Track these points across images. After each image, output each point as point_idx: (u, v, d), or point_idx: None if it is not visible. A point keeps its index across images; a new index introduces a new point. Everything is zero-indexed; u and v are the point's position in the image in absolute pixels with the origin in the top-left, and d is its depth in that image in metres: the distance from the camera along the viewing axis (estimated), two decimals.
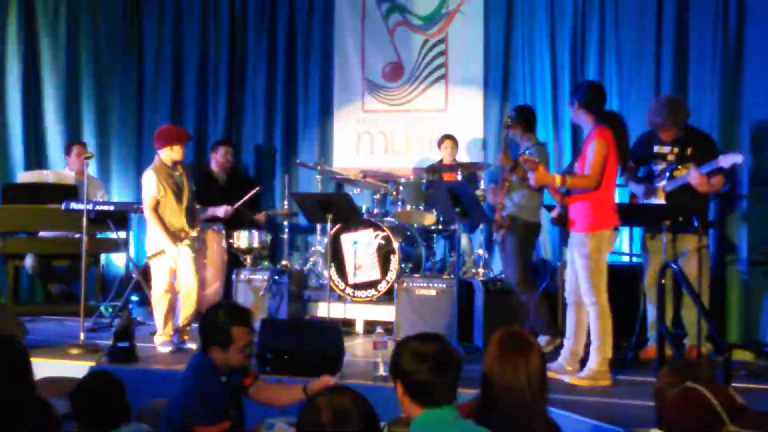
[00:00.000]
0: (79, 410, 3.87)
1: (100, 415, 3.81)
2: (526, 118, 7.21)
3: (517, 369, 3.24)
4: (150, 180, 7.11)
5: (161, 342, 7.12)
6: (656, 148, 6.98)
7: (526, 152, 6.72)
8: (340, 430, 2.53)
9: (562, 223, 6.26)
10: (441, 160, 9.08)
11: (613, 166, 6.00)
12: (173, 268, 7.15)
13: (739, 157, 6.57)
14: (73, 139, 9.89)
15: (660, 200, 6.90)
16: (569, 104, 6.27)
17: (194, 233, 7.29)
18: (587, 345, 6.18)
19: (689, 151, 6.84)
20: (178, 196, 7.17)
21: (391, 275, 8.10)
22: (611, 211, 6.04)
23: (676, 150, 6.90)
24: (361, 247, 8.30)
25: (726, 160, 6.55)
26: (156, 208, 7.07)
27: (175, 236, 7.10)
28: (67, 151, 9.51)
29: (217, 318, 4.26)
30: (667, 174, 6.88)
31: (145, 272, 8.60)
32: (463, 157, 9.22)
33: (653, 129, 7.02)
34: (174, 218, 7.14)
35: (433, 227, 8.43)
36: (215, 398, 4.21)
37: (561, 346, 6.46)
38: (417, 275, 8.04)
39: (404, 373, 3.11)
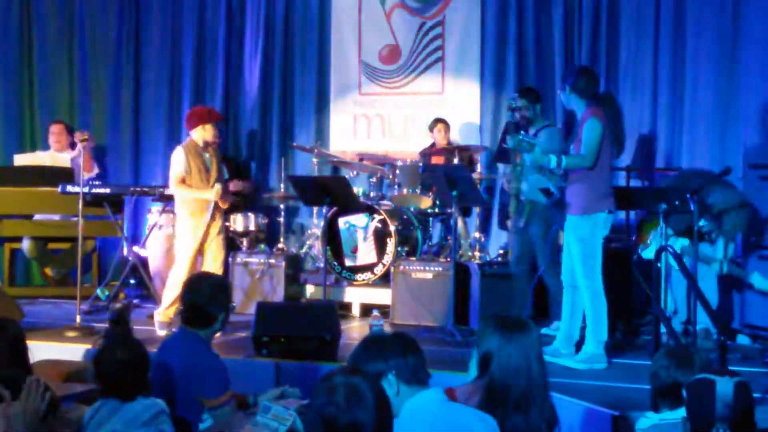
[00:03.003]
0: (103, 377, 3.77)
1: (124, 383, 3.72)
2: (535, 99, 7.20)
3: (528, 350, 3.23)
4: (179, 158, 7.21)
5: (160, 322, 7.10)
6: (702, 224, 6.81)
7: (521, 134, 6.70)
8: (353, 414, 2.46)
9: (556, 206, 6.26)
10: (433, 144, 9.07)
11: (607, 148, 6.00)
12: (197, 252, 7.22)
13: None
14: (54, 119, 9.87)
15: None
16: (561, 89, 6.25)
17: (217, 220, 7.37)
18: (583, 328, 6.20)
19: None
20: (205, 178, 7.22)
21: (388, 258, 8.10)
22: (607, 194, 6.04)
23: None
24: (357, 231, 8.31)
25: (758, 281, 6.76)
26: (184, 183, 7.20)
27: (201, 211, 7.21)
28: (50, 131, 9.53)
29: (204, 302, 4.37)
30: None
31: (141, 255, 8.65)
32: (460, 140, 9.21)
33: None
34: (198, 201, 7.21)
35: (429, 210, 8.43)
36: (221, 367, 4.31)
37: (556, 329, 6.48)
38: (413, 258, 8.05)
39: (395, 363, 3.11)
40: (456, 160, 8.32)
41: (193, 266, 7.18)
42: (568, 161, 6.02)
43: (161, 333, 7.02)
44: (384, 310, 7.73)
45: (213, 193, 7.19)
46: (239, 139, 10.25)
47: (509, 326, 3.31)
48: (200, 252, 7.28)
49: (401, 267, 7.80)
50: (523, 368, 3.22)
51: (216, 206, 7.27)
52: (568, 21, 8.91)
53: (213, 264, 7.32)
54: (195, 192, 7.18)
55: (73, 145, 9.34)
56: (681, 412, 3.36)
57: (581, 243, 5.98)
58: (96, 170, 9.43)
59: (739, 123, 7.60)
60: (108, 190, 8.40)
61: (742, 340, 7.00)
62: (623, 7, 8.63)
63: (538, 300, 7.41)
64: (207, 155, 7.31)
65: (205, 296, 4.37)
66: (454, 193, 7.20)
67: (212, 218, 7.26)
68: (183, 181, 7.19)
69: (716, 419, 2.85)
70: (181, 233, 7.27)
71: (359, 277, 8.28)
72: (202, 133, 7.25)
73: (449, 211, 7.98)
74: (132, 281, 8.52)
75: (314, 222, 9.07)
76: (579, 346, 6.15)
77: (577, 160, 5.99)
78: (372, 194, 8.65)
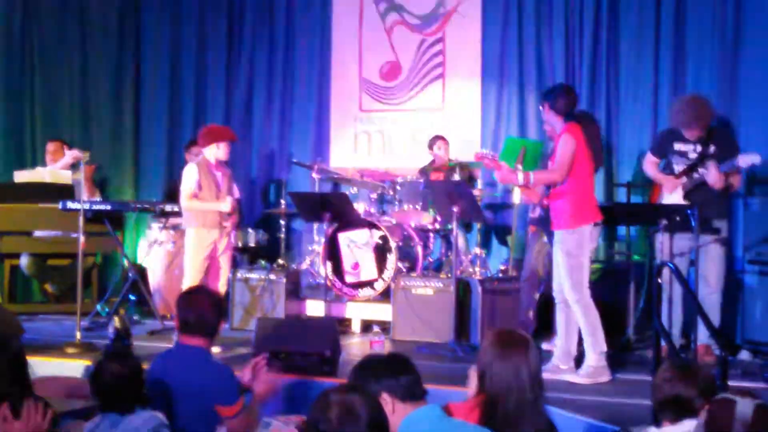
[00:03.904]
0: (99, 392, 3.81)
1: (119, 396, 3.75)
2: None
3: (519, 367, 3.26)
4: (190, 173, 7.31)
5: None
6: (677, 146, 6.95)
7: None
8: (345, 431, 2.50)
9: (540, 223, 6.28)
10: (433, 160, 9.07)
11: (586, 161, 6.04)
12: (205, 267, 7.29)
13: (756, 158, 6.59)
14: (51, 137, 9.86)
15: (678, 198, 6.85)
16: (540, 106, 6.34)
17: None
18: (579, 343, 6.20)
19: (712, 149, 6.82)
20: (215, 195, 7.30)
21: (388, 274, 8.09)
22: (591, 206, 6.09)
23: (698, 148, 6.87)
24: (358, 247, 8.30)
25: (744, 160, 6.57)
26: (195, 199, 7.30)
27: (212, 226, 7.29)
28: (47, 149, 9.51)
29: (207, 312, 4.41)
30: (687, 170, 6.86)
31: (142, 271, 8.65)
32: (460, 156, 9.21)
33: (677, 127, 6.95)
34: (208, 217, 7.26)
35: (429, 226, 8.43)
36: (231, 373, 4.41)
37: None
38: (414, 274, 8.04)
39: (388, 384, 3.14)
40: (456, 177, 8.31)
41: (199, 282, 7.20)
42: (537, 177, 6.10)
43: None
44: (384, 326, 7.74)
45: (226, 204, 7.26)
46: (240, 155, 10.25)
47: (505, 343, 3.32)
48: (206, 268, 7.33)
49: (402, 283, 7.80)
50: (513, 385, 3.23)
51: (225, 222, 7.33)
52: (569, 36, 8.92)
53: (217, 281, 7.33)
54: (209, 204, 7.24)
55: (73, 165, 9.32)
56: (683, 427, 3.36)
57: (568, 257, 6.00)
58: (97, 198, 9.40)
59: (741, 140, 7.61)
60: (108, 207, 8.39)
61: (744, 355, 6.99)
62: (623, 23, 8.64)
63: (541, 314, 7.42)
64: (219, 173, 7.37)
65: (206, 306, 4.42)
66: (455, 209, 7.21)
67: (220, 235, 7.32)
68: (195, 197, 7.24)
69: None
70: (189, 249, 7.33)
71: (360, 293, 8.26)
72: (215, 151, 7.35)
73: (450, 227, 7.98)
74: (132, 297, 8.50)
75: (315, 238, 9.07)
76: (577, 360, 6.15)
77: (547, 174, 6.07)
78: (372, 210, 8.66)
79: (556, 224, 6.10)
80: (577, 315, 6.03)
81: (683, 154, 6.92)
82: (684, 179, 6.85)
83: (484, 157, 6.34)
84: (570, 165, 5.97)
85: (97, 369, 3.85)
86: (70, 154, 8.80)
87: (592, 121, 6.20)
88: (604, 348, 6.04)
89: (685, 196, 6.84)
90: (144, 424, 3.67)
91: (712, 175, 6.65)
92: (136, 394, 3.80)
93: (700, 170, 6.78)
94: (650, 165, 7.16)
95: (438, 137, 9.09)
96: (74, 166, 7.59)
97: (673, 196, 6.89)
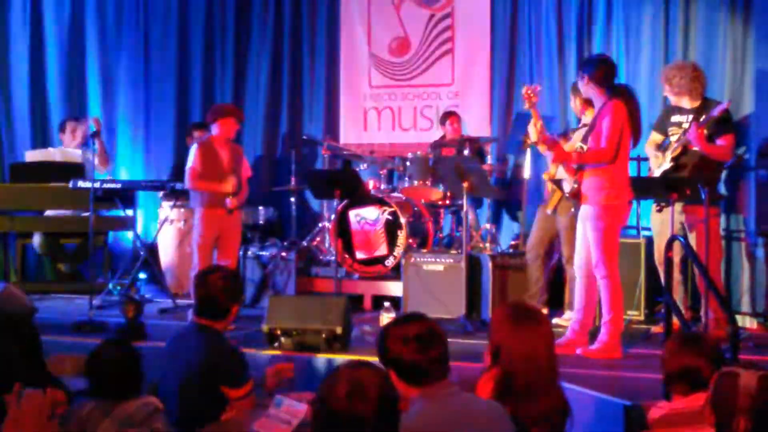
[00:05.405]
0: (94, 378, 3.79)
1: (115, 383, 3.73)
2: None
3: (535, 340, 3.26)
4: (192, 154, 7.38)
5: None
6: (673, 118, 6.95)
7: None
8: (353, 407, 2.49)
9: (578, 197, 6.25)
10: (443, 136, 9.06)
11: (627, 139, 6.01)
12: (212, 245, 7.36)
13: (726, 103, 6.62)
14: (69, 115, 9.84)
15: (664, 166, 6.85)
16: (579, 78, 6.27)
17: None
18: (595, 318, 6.20)
19: (704, 117, 6.78)
20: (217, 175, 7.28)
21: (399, 251, 8.10)
22: (626, 185, 6.05)
23: (691, 117, 6.84)
24: (368, 223, 8.30)
25: (717, 109, 6.55)
26: (198, 179, 7.34)
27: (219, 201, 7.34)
28: (61, 128, 9.47)
29: (217, 294, 4.41)
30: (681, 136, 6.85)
31: (153, 250, 8.68)
32: (470, 132, 9.19)
33: (668, 95, 6.99)
34: (212, 196, 7.31)
35: (440, 202, 8.42)
36: (242, 356, 4.39)
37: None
38: (424, 250, 8.04)
39: (392, 359, 3.11)
40: (466, 152, 8.30)
41: (208, 259, 7.24)
42: (588, 157, 6.03)
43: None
44: (395, 302, 7.74)
45: (227, 185, 7.27)
46: (249, 132, 10.23)
47: (519, 317, 3.33)
48: (215, 246, 7.37)
49: (412, 259, 7.79)
50: (531, 358, 3.24)
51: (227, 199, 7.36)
52: (581, 8, 8.83)
53: (227, 258, 7.37)
54: (210, 185, 7.27)
55: (86, 143, 9.29)
56: (694, 400, 3.37)
57: (600, 234, 5.97)
58: (110, 166, 9.41)
59: (751, 112, 7.57)
60: (119, 185, 8.41)
61: (755, 328, 6.99)
62: None
63: (552, 289, 7.42)
64: (224, 152, 7.37)
65: (218, 288, 4.40)
66: (465, 184, 7.21)
67: (228, 212, 7.35)
68: (198, 176, 7.25)
69: (738, 410, 2.87)
70: (197, 227, 7.37)
71: (370, 269, 8.28)
72: (219, 129, 7.38)
73: (460, 202, 7.97)
74: (143, 275, 8.53)
75: (325, 215, 9.07)
76: (592, 335, 6.16)
77: (596, 155, 6.02)
78: (382, 187, 8.65)
79: (591, 199, 6.06)
80: (601, 291, 6.03)
81: (679, 125, 6.92)
82: (674, 146, 6.85)
83: (547, 139, 6.32)
84: (618, 145, 5.93)
85: (95, 354, 3.84)
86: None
87: (632, 95, 6.15)
88: (621, 327, 6.06)
89: (673, 160, 6.81)
90: (137, 411, 3.65)
91: (691, 130, 6.63)
92: (130, 381, 3.77)
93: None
94: (650, 143, 7.13)
95: (449, 113, 9.08)
96: (91, 136, 7.57)
97: (661, 168, 6.89)
